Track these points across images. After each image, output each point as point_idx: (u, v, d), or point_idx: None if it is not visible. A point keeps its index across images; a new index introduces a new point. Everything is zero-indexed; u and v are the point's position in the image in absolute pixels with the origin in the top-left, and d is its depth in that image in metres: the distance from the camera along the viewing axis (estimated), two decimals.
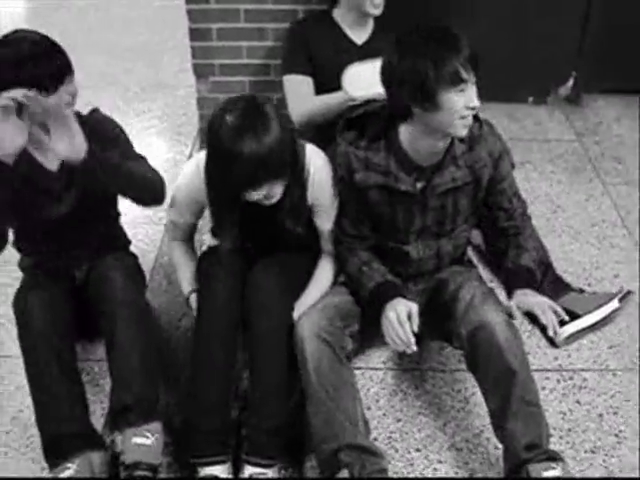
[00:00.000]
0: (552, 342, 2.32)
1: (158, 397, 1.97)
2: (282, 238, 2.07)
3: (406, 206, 1.97)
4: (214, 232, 2.11)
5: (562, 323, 2.27)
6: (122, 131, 2.09)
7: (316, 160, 1.99)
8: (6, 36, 1.81)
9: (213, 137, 1.81)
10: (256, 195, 1.83)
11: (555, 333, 1.89)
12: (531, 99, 3.69)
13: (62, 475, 1.81)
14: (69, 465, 1.81)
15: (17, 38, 1.81)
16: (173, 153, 3.38)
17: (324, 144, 2.07)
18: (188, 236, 2.22)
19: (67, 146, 1.71)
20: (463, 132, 1.82)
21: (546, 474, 1.75)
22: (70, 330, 1.99)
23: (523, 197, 2.13)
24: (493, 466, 1.97)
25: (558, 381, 2.22)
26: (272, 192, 1.84)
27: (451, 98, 1.74)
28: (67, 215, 2.01)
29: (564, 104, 3.67)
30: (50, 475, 1.86)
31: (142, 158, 2.06)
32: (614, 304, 2.34)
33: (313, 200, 2.02)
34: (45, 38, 1.84)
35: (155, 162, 3.25)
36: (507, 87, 3.57)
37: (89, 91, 3.91)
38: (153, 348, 1.98)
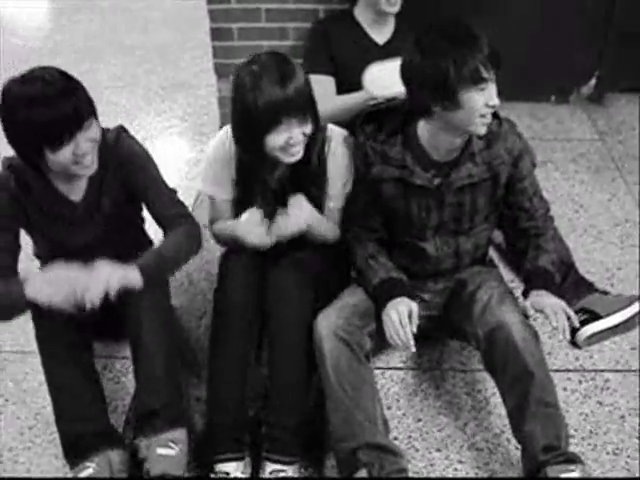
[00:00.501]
0: (573, 343, 2.31)
1: (183, 402, 1.97)
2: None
3: (422, 201, 1.96)
4: (237, 204, 2.11)
5: (583, 323, 2.26)
6: (148, 158, 2.03)
7: (338, 136, 2.05)
8: (23, 75, 1.73)
9: (238, 85, 1.86)
10: (279, 140, 1.85)
11: (565, 336, 1.84)
12: (553, 98, 3.66)
13: (82, 475, 1.82)
14: (88, 464, 1.82)
15: (32, 77, 1.72)
16: (195, 153, 3.39)
17: None
18: (227, 216, 2.15)
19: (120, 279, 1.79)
20: (482, 130, 1.82)
21: (564, 476, 1.74)
22: (87, 330, 1.99)
23: (545, 198, 2.11)
24: (514, 467, 1.96)
25: (580, 382, 2.20)
26: (293, 140, 1.86)
27: (472, 97, 1.74)
28: (92, 240, 2.03)
29: (586, 103, 3.64)
30: (71, 474, 1.87)
31: (172, 191, 2.04)
32: (635, 307, 2.31)
33: (331, 174, 2.05)
34: (63, 77, 1.75)
35: (176, 162, 3.32)
36: (529, 86, 3.55)
37: (111, 91, 3.98)
38: (177, 352, 1.98)
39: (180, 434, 1.88)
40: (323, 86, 2.53)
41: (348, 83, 2.44)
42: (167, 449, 1.84)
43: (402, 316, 1.87)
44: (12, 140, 1.74)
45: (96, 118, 1.80)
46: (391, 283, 1.99)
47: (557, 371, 2.22)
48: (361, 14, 2.57)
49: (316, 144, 1.98)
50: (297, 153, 1.91)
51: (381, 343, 2.00)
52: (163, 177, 2.03)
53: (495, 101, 1.77)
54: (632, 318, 2.30)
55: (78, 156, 1.73)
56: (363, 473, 1.80)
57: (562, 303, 1.89)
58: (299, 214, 1.98)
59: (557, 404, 1.85)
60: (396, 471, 1.82)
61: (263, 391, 2.11)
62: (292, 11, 3.04)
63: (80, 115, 1.70)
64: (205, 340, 2.30)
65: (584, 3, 3.32)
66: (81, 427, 1.86)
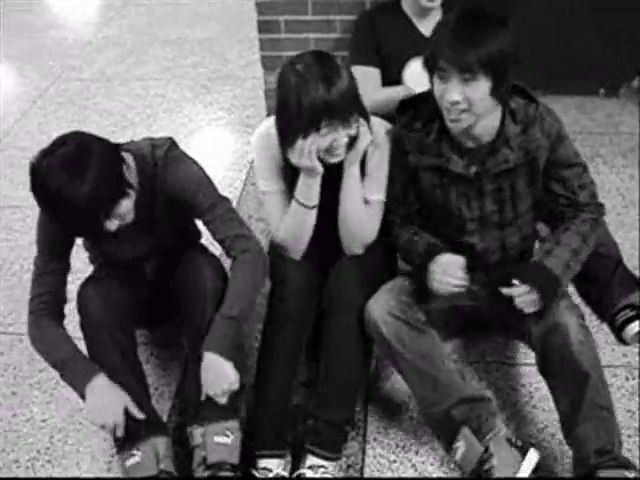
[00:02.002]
0: (621, 339, 2.28)
1: (240, 394, 1.98)
2: None
3: (460, 190, 1.95)
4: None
5: (631, 320, 2.23)
6: (199, 178, 1.97)
7: (381, 128, 2.04)
8: (56, 156, 1.70)
9: (282, 85, 1.87)
10: (322, 143, 1.86)
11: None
12: (602, 91, 3.60)
13: (128, 463, 1.86)
14: (134, 452, 1.85)
15: (57, 167, 1.67)
16: (241, 144, 3.42)
17: None
18: (286, 206, 2.09)
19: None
20: (452, 127, 1.80)
21: None
22: (130, 319, 2.01)
23: (598, 199, 2.01)
24: (557, 462, 1.95)
25: (627, 379, 2.18)
26: (337, 142, 1.87)
27: (435, 84, 1.77)
28: (143, 254, 2.07)
29: (636, 96, 3.57)
30: (117, 459, 1.93)
31: (225, 200, 2.00)
32: None
33: (370, 167, 2.04)
34: (91, 165, 1.66)
35: (222, 153, 3.36)
36: (577, 79, 3.50)
37: (158, 83, 4.03)
38: (236, 344, 1.94)
39: (234, 424, 1.90)
40: (368, 77, 2.54)
41: (394, 74, 2.44)
42: (224, 437, 1.86)
43: (447, 263, 1.90)
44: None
45: (130, 188, 1.79)
46: (435, 247, 1.99)
47: (603, 367, 2.17)
48: (407, 5, 2.56)
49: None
50: (340, 155, 1.92)
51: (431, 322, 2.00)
52: (216, 190, 1.98)
53: (448, 98, 1.72)
54: None
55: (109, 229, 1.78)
56: (465, 431, 1.84)
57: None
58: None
59: (611, 408, 1.82)
60: (491, 412, 1.88)
61: (306, 381, 2.14)
62: (339, 3, 3.04)
63: (108, 209, 1.72)
64: (257, 331, 2.30)
65: None
66: (128, 414, 1.87)
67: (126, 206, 1.78)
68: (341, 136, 1.87)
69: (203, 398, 1.83)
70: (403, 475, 1.96)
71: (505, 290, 1.87)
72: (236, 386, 1.84)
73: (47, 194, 1.68)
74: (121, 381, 1.87)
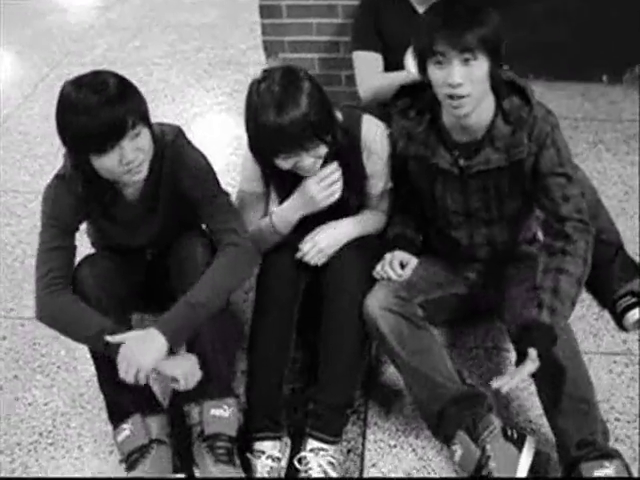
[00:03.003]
0: (621, 325, 2.28)
1: (232, 375, 2.02)
2: (343, 208, 2.08)
3: (444, 183, 1.94)
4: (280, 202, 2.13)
5: (631, 307, 2.24)
6: (204, 166, 1.98)
7: (372, 129, 2.02)
8: (78, 79, 1.74)
9: (246, 104, 1.87)
10: (285, 165, 1.86)
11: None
12: (605, 78, 3.59)
13: (119, 437, 1.88)
14: (125, 426, 1.87)
15: (83, 83, 1.72)
16: (242, 130, 3.38)
17: (387, 121, 2.07)
18: (258, 209, 2.14)
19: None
20: (454, 113, 1.77)
21: (597, 473, 1.71)
22: (125, 300, 2.00)
23: (584, 214, 1.86)
24: (554, 448, 1.95)
25: (626, 365, 2.18)
26: (300, 164, 1.86)
27: (432, 71, 1.74)
28: (148, 241, 2.06)
29: None
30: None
31: (225, 194, 2.00)
32: None
33: (370, 170, 2.05)
34: (116, 83, 1.72)
35: (224, 138, 3.35)
36: (581, 66, 3.49)
37: (160, 68, 4.02)
38: (190, 330, 1.91)
39: (231, 400, 1.93)
40: (369, 63, 2.54)
41: (396, 60, 2.44)
42: (221, 410, 1.89)
43: (396, 257, 1.96)
44: (63, 141, 1.78)
45: (149, 127, 1.79)
46: (399, 240, 2.03)
47: (604, 354, 2.20)
48: None
49: (346, 150, 1.96)
50: (312, 171, 1.90)
51: (428, 317, 2.01)
52: (218, 182, 1.99)
53: (452, 80, 1.69)
54: None
55: (124, 165, 1.73)
56: (461, 434, 1.83)
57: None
58: (327, 245, 2.02)
59: (592, 399, 1.81)
60: (487, 408, 1.87)
61: (305, 370, 2.15)
62: None
63: (123, 124, 1.69)
64: (249, 313, 2.33)
65: None
66: (119, 391, 1.89)
67: (144, 142, 1.76)
68: (304, 158, 1.85)
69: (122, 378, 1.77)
70: (403, 460, 1.97)
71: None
72: (176, 373, 1.80)
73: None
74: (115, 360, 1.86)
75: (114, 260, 2.03)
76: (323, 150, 1.88)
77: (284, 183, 2.03)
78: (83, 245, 2.11)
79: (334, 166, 1.95)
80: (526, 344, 1.75)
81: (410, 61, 2.27)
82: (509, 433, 1.84)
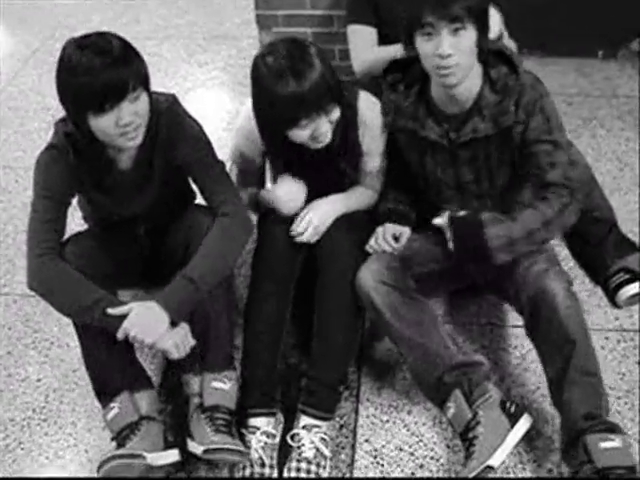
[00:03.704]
0: (614, 302, 2.29)
1: (232, 346, 2.02)
2: (340, 183, 2.10)
3: (434, 156, 1.94)
4: (275, 178, 2.14)
5: (625, 283, 2.24)
6: (199, 133, 1.97)
7: (369, 106, 2.02)
8: (81, 38, 1.71)
9: (255, 80, 1.85)
10: (303, 134, 1.85)
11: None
12: (600, 53, 3.57)
13: (109, 416, 1.87)
14: (113, 405, 1.87)
15: (86, 44, 1.69)
16: (236, 104, 3.38)
17: (381, 95, 2.06)
18: (254, 181, 2.18)
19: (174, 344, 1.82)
20: (444, 82, 1.76)
21: (604, 445, 1.72)
22: (111, 278, 1.96)
23: (573, 183, 1.87)
24: (548, 423, 1.97)
25: (618, 341, 2.19)
26: (318, 131, 1.85)
27: (419, 42, 1.73)
28: (141, 211, 2.04)
29: (635, 59, 3.54)
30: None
31: (221, 167, 1.99)
32: None
33: (365, 144, 2.04)
34: (118, 46, 1.70)
35: (217, 113, 3.33)
36: (575, 41, 3.46)
37: (153, 42, 3.98)
38: (189, 305, 1.90)
39: (230, 373, 1.94)
40: (364, 37, 2.51)
41: (392, 34, 2.41)
42: (221, 383, 1.91)
43: (387, 230, 1.96)
44: (61, 101, 1.76)
45: (148, 92, 1.78)
46: (394, 214, 2.04)
47: (596, 330, 2.20)
48: None
49: (344, 125, 1.95)
50: (324, 140, 1.89)
51: (422, 291, 2.01)
52: (214, 152, 1.99)
53: (441, 50, 1.69)
54: None
55: (120, 127, 1.72)
56: (457, 393, 1.85)
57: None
58: (320, 222, 2.03)
59: (598, 373, 1.83)
60: (483, 377, 1.89)
61: (300, 345, 2.15)
62: None
63: (124, 85, 1.68)
64: (242, 289, 2.33)
65: None
66: (106, 368, 1.89)
67: (143, 106, 1.75)
68: (322, 123, 1.84)
69: (120, 336, 1.78)
70: (396, 435, 1.99)
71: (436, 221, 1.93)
72: (167, 346, 1.80)
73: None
74: (102, 336, 1.84)
75: (101, 237, 2.02)
76: (337, 113, 1.87)
77: (287, 163, 2.05)
78: (74, 222, 2.10)
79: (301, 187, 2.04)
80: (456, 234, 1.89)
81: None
82: (507, 406, 1.85)
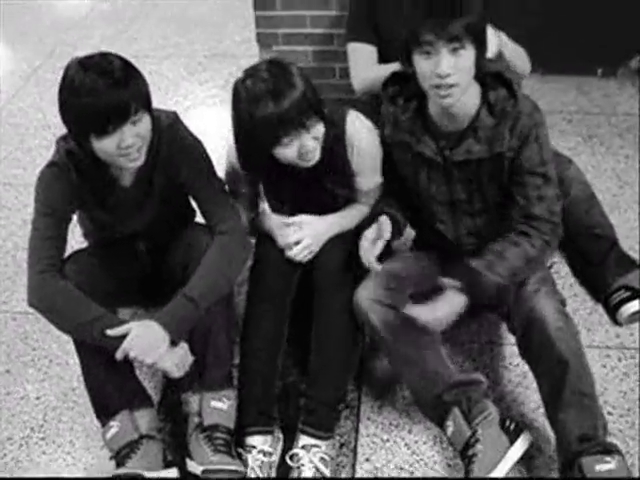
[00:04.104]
0: (615, 320, 2.28)
1: (231, 365, 2.02)
2: (331, 204, 2.09)
3: (429, 172, 1.92)
4: (270, 204, 2.16)
5: (625, 301, 2.24)
6: (200, 151, 1.99)
7: (357, 125, 1.99)
8: (84, 58, 1.72)
9: (234, 104, 1.85)
10: (289, 152, 1.84)
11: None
12: (600, 71, 3.58)
13: (108, 435, 1.87)
14: (112, 424, 1.87)
15: (90, 64, 1.70)
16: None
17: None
18: (249, 207, 2.17)
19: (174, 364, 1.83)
20: (442, 102, 1.74)
21: (599, 468, 1.71)
22: (111, 296, 1.96)
23: (558, 219, 1.87)
24: (549, 442, 1.95)
25: (619, 359, 2.18)
26: (304, 148, 1.83)
27: (417, 61, 1.72)
28: (141, 228, 2.04)
29: (634, 77, 3.55)
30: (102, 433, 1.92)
31: (221, 187, 2.01)
32: None
33: (356, 166, 2.02)
34: (121, 67, 1.71)
35: (218, 131, 3.33)
36: (575, 59, 3.48)
37: (154, 60, 4.00)
38: (188, 324, 1.90)
39: (229, 392, 1.94)
40: (363, 55, 2.52)
41: (391, 51, 2.42)
42: (220, 402, 1.90)
43: (369, 233, 1.90)
44: (64, 121, 1.76)
45: (150, 114, 1.79)
46: (384, 214, 1.98)
47: (597, 348, 2.20)
48: None
49: (330, 143, 1.94)
50: (313, 158, 1.88)
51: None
52: (214, 170, 2.00)
53: (440, 70, 1.67)
54: None
55: (122, 149, 1.72)
56: (456, 411, 1.85)
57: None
58: (313, 241, 2.03)
59: (593, 394, 1.81)
60: (483, 394, 1.89)
61: (298, 363, 2.14)
62: None
63: (126, 108, 1.69)
64: (242, 307, 2.32)
65: None
66: (106, 387, 1.89)
67: (145, 128, 1.76)
68: (305, 140, 1.83)
69: (119, 356, 1.77)
70: (397, 454, 1.97)
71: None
72: (166, 365, 1.81)
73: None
74: (101, 354, 1.84)
75: (101, 255, 2.02)
76: (321, 129, 1.86)
77: (275, 187, 2.06)
78: (74, 239, 2.10)
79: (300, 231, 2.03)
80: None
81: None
82: (507, 424, 1.85)
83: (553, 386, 1.81)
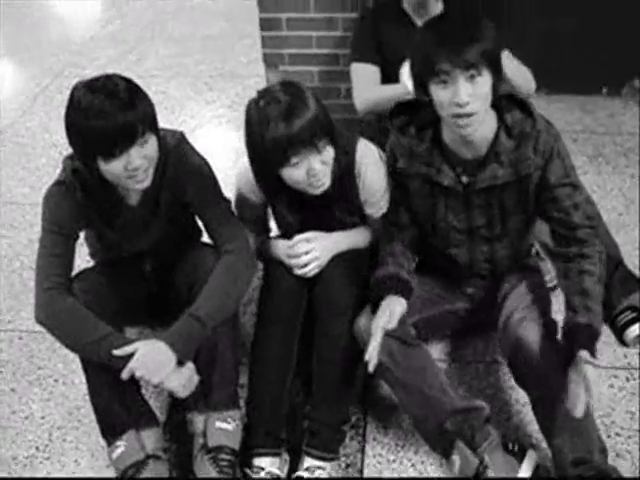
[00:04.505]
0: (622, 340, 2.27)
1: (237, 385, 2.01)
2: (340, 228, 2.09)
3: (447, 201, 1.91)
4: (278, 225, 2.17)
5: (631, 322, 2.23)
6: (207, 171, 1.99)
7: (367, 154, 1.99)
8: (90, 81, 1.73)
9: (247, 123, 1.86)
10: (297, 174, 1.83)
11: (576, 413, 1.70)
12: (605, 91, 3.60)
13: (114, 454, 1.86)
14: (119, 443, 1.86)
15: (96, 87, 1.70)
16: (241, 142, 3.37)
17: (384, 134, 2.07)
18: (258, 231, 2.17)
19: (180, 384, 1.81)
20: (462, 132, 1.73)
21: None
22: (118, 314, 1.96)
23: (592, 215, 1.91)
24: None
25: (627, 379, 2.17)
26: (312, 171, 1.82)
27: (434, 90, 1.70)
28: (147, 247, 2.05)
29: (639, 96, 3.56)
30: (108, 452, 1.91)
31: (227, 206, 2.01)
32: None
33: (365, 197, 2.03)
34: (128, 89, 1.72)
35: (224, 150, 3.35)
36: (580, 78, 3.49)
37: (160, 80, 4.03)
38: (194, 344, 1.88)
39: (235, 413, 1.93)
40: (366, 75, 2.53)
41: (394, 72, 2.43)
42: (225, 423, 1.89)
43: (392, 316, 1.83)
44: (71, 142, 1.78)
45: (157, 135, 1.80)
46: (394, 279, 1.93)
47: (604, 368, 2.18)
48: (409, 4, 2.55)
49: (340, 171, 1.94)
50: (322, 184, 1.88)
51: (424, 334, 2.00)
52: (220, 190, 2.01)
53: (458, 98, 1.65)
54: None
55: (129, 171, 1.73)
56: (460, 445, 1.83)
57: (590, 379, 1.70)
58: (321, 254, 2.03)
59: (587, 417, 1.77)
60: (485, 420, 1.86)
61: (306, 384, 2.13)
62: (341, 1, 3.04)
63: (134, 131, 1.70)
64: (248, 327, 2.32)
65: None
66: (113, 406, 1.88)
67: (152, 150, 1.77)
68: (314, 162, 1.82)
69: (125, 376, 1.76)
70: (403, 474, 1.96)
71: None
72: (173, 385, 1.79)
73: None
74: (109, 373, 1.83)
75: (108, 274, 2.03)
76: (331, 153, 1.86)
77: (284, 212, 2.06)
78: (80, 258, 2.10)
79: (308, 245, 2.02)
80: (576, 348, 1.74)
81: (406, 75, 2.25)
82: (510, 446, 1.84)
83: (545, 412, 1.81)
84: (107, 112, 1.66)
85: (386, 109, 2.15)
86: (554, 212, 1.86)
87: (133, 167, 1.73)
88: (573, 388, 1.69)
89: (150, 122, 1.76)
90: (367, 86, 2.52)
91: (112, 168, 1.73)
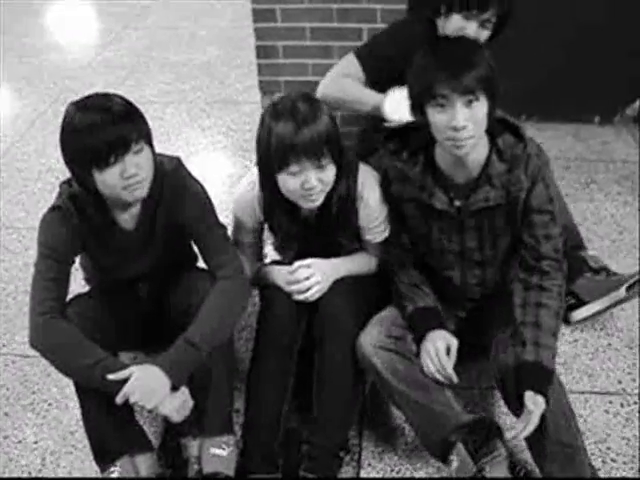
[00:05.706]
0: (566, 321, 2.38)
1: (231, 410, 2.01)
2: (337, 255, 2.10)
3: (441, 224, 1.93)
4: (276, 247, 2.16)
5: (572, 307, 2.37)
6: (202, 196, 2.00)
7: (368, 180, 2.00)
8: (83, 100, 1.77)
9: (262, 118, 1.87)
10: (292, 183, 1.83)
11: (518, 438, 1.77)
12: (597, 119, 3.64)
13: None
14: (113, 469, 1.84)
15: (89, 105, 1.74)
16: (238, 168, 3.44)
17: (368, 153, 2.08)
18: (253, 257, 2.17)
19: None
20: (457, 152, 1.75)
21: None
22: (113, 340, 1.95)
23: (560, 255, 1.91)
24: None
25: (622, 405, 2.17)
26: (308, 184, 1.82)
27: (431, 114, 1.73)
28: (143, 272, 2.05)
29: (631, 124, 3.61)
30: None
31: (223, 232, 2.02)
32: (621, 292, 2.33)
33: (366, 222, 2.04)
34: (121, 104, 1.75)
35: (220, 177, 3.37)
36: (573, 107, 3.54)
37: (157, 106, 4.06)
38: (188, 370, 1.88)
39: (230, 439, 1.93)
40: (350, 70, 2.38)
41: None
42: (220, 449, 1.89)
43: (440, 352, 1.88)
44: (66, 161, 1.79)
45: (151, 146, 1.81)
46: (430, 313, 1.97)
47: (599, 394, 2.19)
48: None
49: (341, 192, 1.95)
50: (315, 200, 1.88)
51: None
52: (216, 215, 2.01)
53: (456, 123, 1.68)
54: (618, 303, 2.35)
55: (125, 179, 1.74)
56: (460, 447, 1.83)
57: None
58: (322, 279, 2.02)
59: (577, 443, 1.79)
60: (493, 433, 1.86)
61: (302, 408, 2.13)
62: (336, 30, 3.08)
63: (127, 137, 1.71)
64: (244, 352, 2.32)
65: (629, 22, 3.30)
66: (106, 431, 1.87)
67: (146, 159, 1.78)
68: (312, 177, 1.82)
69: (119, 401, 1.75)
70: None
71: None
72: (167, 410, 1.79)
73: None
74: (102, 398, 1.82)
75: (103, 299, 2.02)
76: (331, 174, 1.86)
77: (283, 235, 2.07)
78: (75, 282, 2.10)
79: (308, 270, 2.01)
80: (523, 387, 1.76)
81: (388, 103, 2.22)
82: (517, 470, 1.85)
83: (534, 440, 1.80)
84: (99, 124, 1.68)
85: (342, 109, 2.10)
86: (526, 237, 1.89)
87: (129, 175, 1.73)
88: (522, 419, 1.74)
89: (144, 132, 1.78)
90: (341, 77, 2.39)
91: (108, 178, 1.73)
